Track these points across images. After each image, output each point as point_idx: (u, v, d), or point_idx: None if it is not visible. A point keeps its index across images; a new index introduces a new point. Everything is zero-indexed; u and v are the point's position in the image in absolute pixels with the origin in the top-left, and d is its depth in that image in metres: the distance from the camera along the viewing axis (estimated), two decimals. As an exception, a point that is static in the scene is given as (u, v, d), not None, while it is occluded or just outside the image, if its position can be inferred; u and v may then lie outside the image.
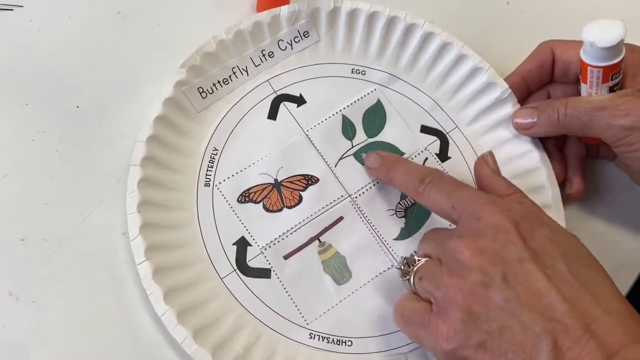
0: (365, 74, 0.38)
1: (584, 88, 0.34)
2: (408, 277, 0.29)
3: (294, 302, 0.32)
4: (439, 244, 0.28)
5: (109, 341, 0.30)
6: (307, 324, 0.32)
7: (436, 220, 0.35)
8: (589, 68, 0.33)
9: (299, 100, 0.37)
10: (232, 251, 0.32)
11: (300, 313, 0.32)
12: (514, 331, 0.24)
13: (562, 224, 0.35)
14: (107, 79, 0.35)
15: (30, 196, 0.32)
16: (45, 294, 0.30)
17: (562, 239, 0.27)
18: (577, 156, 0.37)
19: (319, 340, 0.31)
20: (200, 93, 0.35)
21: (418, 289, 0.28)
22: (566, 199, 0.36)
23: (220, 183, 0.34)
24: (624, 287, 0.36)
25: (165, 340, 0.29)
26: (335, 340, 0.31)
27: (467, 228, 0.27)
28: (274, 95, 0.36)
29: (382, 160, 0.34)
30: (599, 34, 0.32)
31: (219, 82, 0.35)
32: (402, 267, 0.29)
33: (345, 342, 0.32)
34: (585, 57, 0.33)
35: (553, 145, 0.37)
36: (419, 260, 0.29)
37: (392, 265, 0.34)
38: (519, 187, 0.30)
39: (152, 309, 0.29)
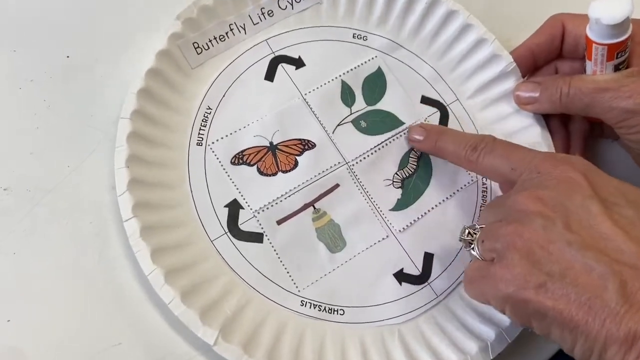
0: (366, 39, 0.37)
1: (589, 65, 0.34)
2: (472, 245, 0.27)
3: (285, 269, 0.31)
4: (498, 206, 0.27)
5: (89, 297, 0.28)
6: (299, 291, 0.31)
7: (434, 194, 0.34)
8: (594, 45, 0.33)
9: (298, 63, 0.35)
10: (224, 213, 0.31)
11: (292, 280, 0.31)
12: (577, 272, 0.23)
13: None
14: (100, 30, 0.33)
15: (14, 145, 0.30)
16: (26, 246, 0.29)
17: (631, 189, 0.26)
18: (581, 133, 0.37)
19: (310, 307, 0.30)
20: (195, 48, 0.33)
21: (482, 253, 0.27)
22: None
23: (213, 143, 0.32)
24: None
25: (149, 300, 0.28)
26: (327, 309, 0.31)
27: (528, 183, 0.26)
28: (272, 56, 0.35)
29: (426, 132, 0.33)
30: (604, 11, 0.31)
31: (215, 38, 0.34)
32: (465, 236, 0.28)
33: (337, 311, 0.31)
34: (590, 33, 0.33)
35: (557, 121, 0.37)
36: (480, 227, 0.27)
37: (387, 236, 0.33)
38: None
39: (137, 267, 0.28)
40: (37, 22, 0.33)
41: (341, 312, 0.31)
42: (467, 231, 0.28)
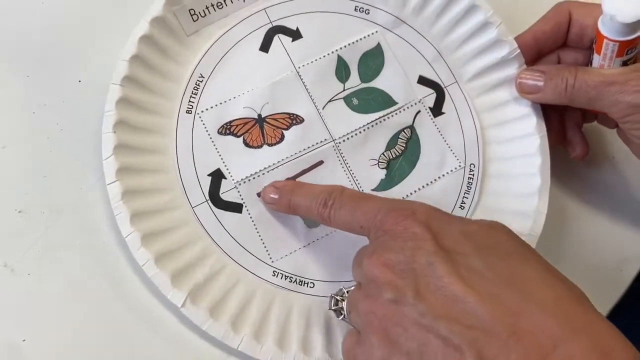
0: (369, 13, 0.36)
1: (597, 59, 0.33)
2: (343, 314, 0.27)
3: (261, 239, 0.32)
4: (359, 266, 0.26)
5: (104, 317, 0.30)
6: (272, 261, 0.32)
7: (418, 177, 0.35)
8: (605, 41, 0.32)
9: (295, 34, 0.35)
10: (207, 182, 0.32)
11: (267, 250, 0.32)
12: (434, 347, 0.22)
13: (547, 194, 0.34)
14: (111, 55, 0.32)
15: (28, 168, 0.31)
16: (41, 267, 0.30)
17: (476, 230, 0.25)
18: (575, 121, 0.37)
19: (281, 278, 0.32)
20: (192, 15, 0.33)
21: (352, 324, 0.26)
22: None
23: (202, 111, 0.33)
24: (628, 279, 0.36)
25: (160, 310, 0.30)
26: (297, 281, 0.32)
27: (376, 245, 0.25)
28: (269, 26, 0.35)
29: (279, 191, 0.31)
30: (620, 7, 0.30)
31: (212, 5, 0.34)
32: (333, 306, 0.27)
33: (307, 284, 0.32)
34: (603, 28, 0.32)
35: (552, 110, 0.36)
36: (347, 291, 0.27)
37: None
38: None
39: (154, 288, 0.29)
40: (49, 48, 0.33)
41: (311, 284, 0.32)
42: (333, 300, 0.27)
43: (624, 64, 0.32)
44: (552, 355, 0.20)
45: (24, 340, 0.29)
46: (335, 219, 0.28)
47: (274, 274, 0.32)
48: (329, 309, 0.28)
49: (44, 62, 0.33)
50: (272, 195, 0.31)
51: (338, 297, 0.27)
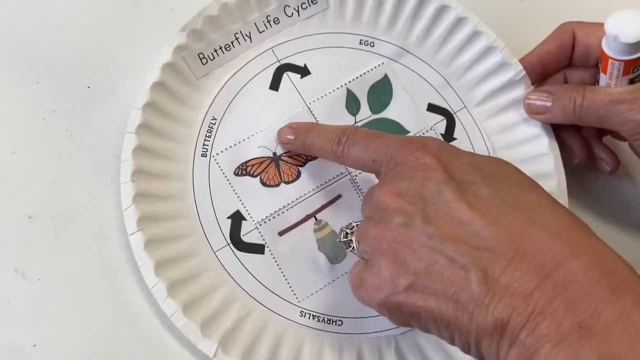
0: (374, 45, 0.37)
1: (603, 78, 0.33)
2: (352, 246, 0.28)
3: (286, 279, 0.32)
4: (369, 201, 0.26)
5: (114, 322, 0.29)
6: (299, 301, 0.31)
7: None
8: (610, 60, 0.32)
9: (303, 71, 0.35)
10: (227, 225, 0.32)
11: (292, 290, 0.31)
12: (441, 267, 0.22)
13: None
14: (119, 60, 0.33)
15: (38, 174, 0.31)
16: (51, 272, 0.30)
17: (484, 162, 0.25)
18: (594, 135, 0.37)
19: (309, 318, 0.31)
20: (201, 59, 0.33)
21: (361, 254, 0.27)
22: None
23: (217, 154, 0.33)
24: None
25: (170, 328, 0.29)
26: (325, 320, 0.31)
27: (388, 176, 0.26)
28: (278, 65, 0.35)
29: (295, 132, 0.32)
30: (623, 28, 0.30)
31: (220, 48, 0.34)
32: (342, 238, 0.28)
33: (335, 322, 0.31)
34: (607, 49, 0.32)
35: (570, 127, 0.36)
36: (357, 225, 0.28)
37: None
38: None
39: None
40: (58, 54, 0.33)
41: (339, 322, 0.32)
42: (343, 232, 0.28)
43: (631, 81, 0.33)
44: (555, 272, 0.21)
45: (34, 346, 0.28)
46: (348, 155, 0.29)
47: (302, 314, 0.31)
48: (338, 241, 0.29)
49: (53, 68, 0.33)
50: (288, 136, 0.32)
51: (348, 230, 0.28)
